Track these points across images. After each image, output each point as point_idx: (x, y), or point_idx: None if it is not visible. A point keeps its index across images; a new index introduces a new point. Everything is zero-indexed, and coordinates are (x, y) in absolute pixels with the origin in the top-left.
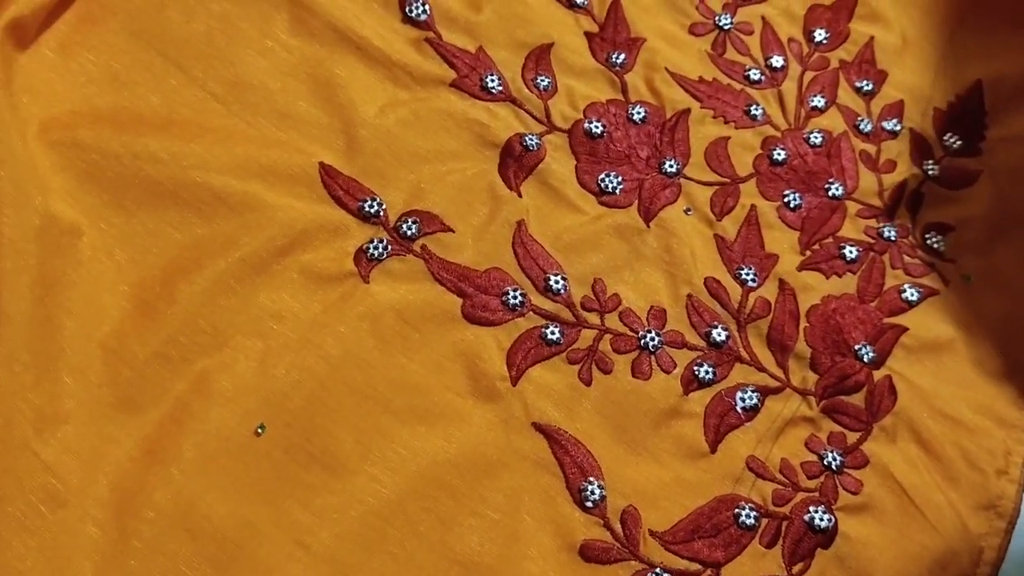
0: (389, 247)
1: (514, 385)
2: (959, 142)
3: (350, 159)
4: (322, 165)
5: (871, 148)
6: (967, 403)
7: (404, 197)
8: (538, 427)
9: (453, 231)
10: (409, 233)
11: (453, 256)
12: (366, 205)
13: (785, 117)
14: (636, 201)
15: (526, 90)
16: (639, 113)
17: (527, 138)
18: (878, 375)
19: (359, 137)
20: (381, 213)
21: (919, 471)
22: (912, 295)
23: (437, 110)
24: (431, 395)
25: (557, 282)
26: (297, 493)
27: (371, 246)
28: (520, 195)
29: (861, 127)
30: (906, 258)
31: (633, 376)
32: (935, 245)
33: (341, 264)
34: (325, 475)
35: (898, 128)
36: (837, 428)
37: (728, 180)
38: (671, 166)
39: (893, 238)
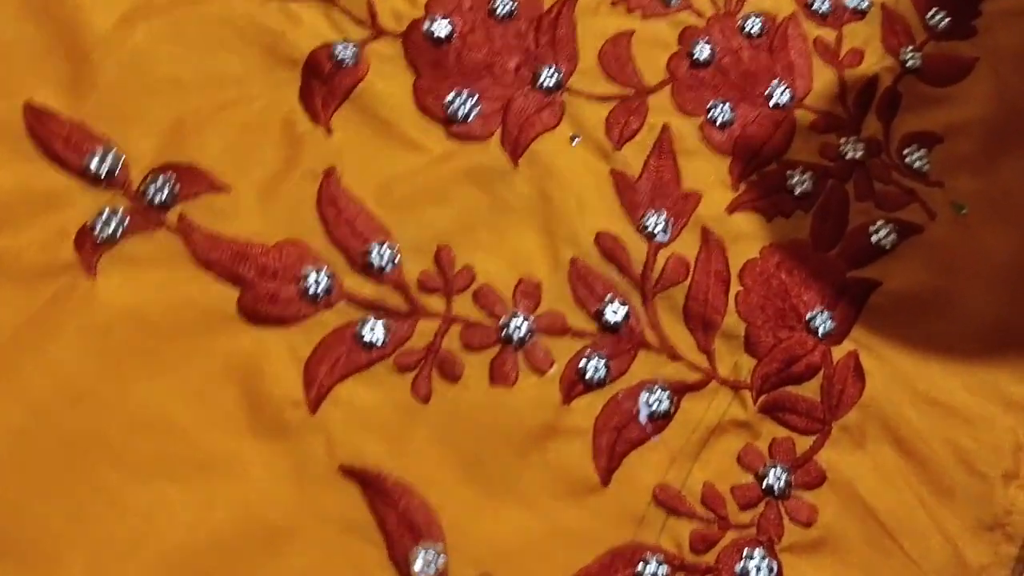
0: (128, 220)
1: (313, 412)
2: (947, 19)
3: (77, 96)
4: (29, 108)
5: (829, 34)
6: (962, 382)
7: (155, 145)
8: (349, 471)
9: (228, 191)
10: (160, 198)
11: (227, 227)
12: (95, 160)
13: None
14: (499, 130)
15: None
16: (505, 4)
17: (339, 48)
18: (839, 352)
19: (91, 61)
20: (118, 170)
21: (896, 485)
22: (886, 236)
23: (209, 16)
24: (188, 436)
25: (382, 254)
26: None
27: (100, 221)
28: (330, 132)
29: (815, 6)
30: (878, 185)
31: (492, 383)
32: (917, 164)
33: (54, 251)
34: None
35: (866, 5)
36: (782, 432)
37: (631, 91)
38: (550, 77)
39: (860, 157)
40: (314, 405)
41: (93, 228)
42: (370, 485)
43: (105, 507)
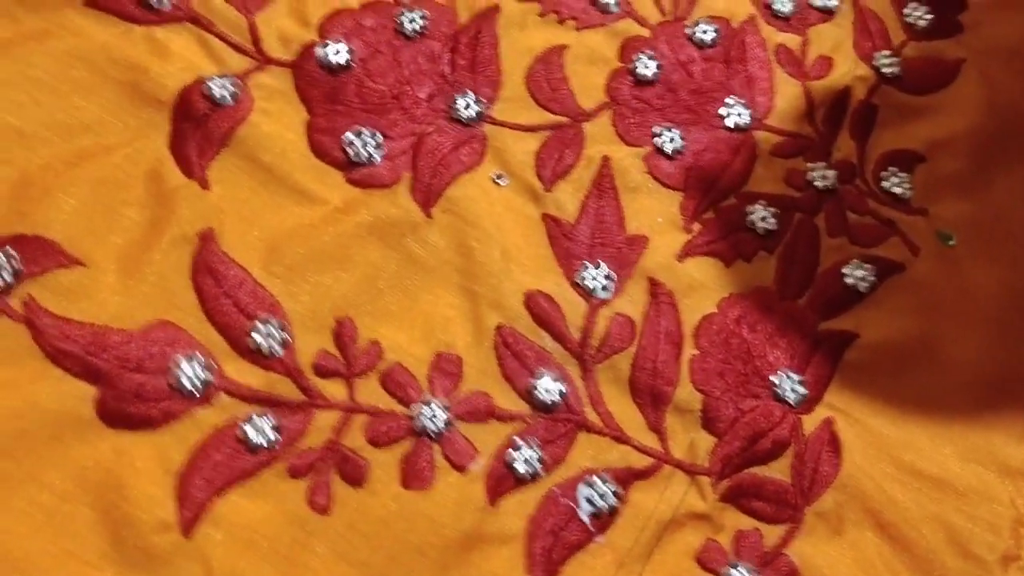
0: None
1: (187, 535)
2: (928, 15)
3: None
4: None
5: (793, 40)
6: (952, 448)
7: None
8: None
9: (83, 264)
10: (0, 279)
11: (83, 309)
12: None
13: (656, 1)
14: (409, 174)
15: None
16: (414, 21)
17: (216, 84)
18: (811, 422)
19: None
20: None
21: None
22: (862, 278)
23: (57, 52)
24: (38, 571)
25: (269, 333)
26: None
27: None
28: (207, 185)
29: (777, 5)
30: (852, 216)
31: (404, 485)
32: (896, 189)
33: None
34: None
35: (834, 2)
36: (748, 523)
37: (565, 119)
38: (468, 106)
39: (831, 185)
40: (188, 527)
41: None
42: None
43: None
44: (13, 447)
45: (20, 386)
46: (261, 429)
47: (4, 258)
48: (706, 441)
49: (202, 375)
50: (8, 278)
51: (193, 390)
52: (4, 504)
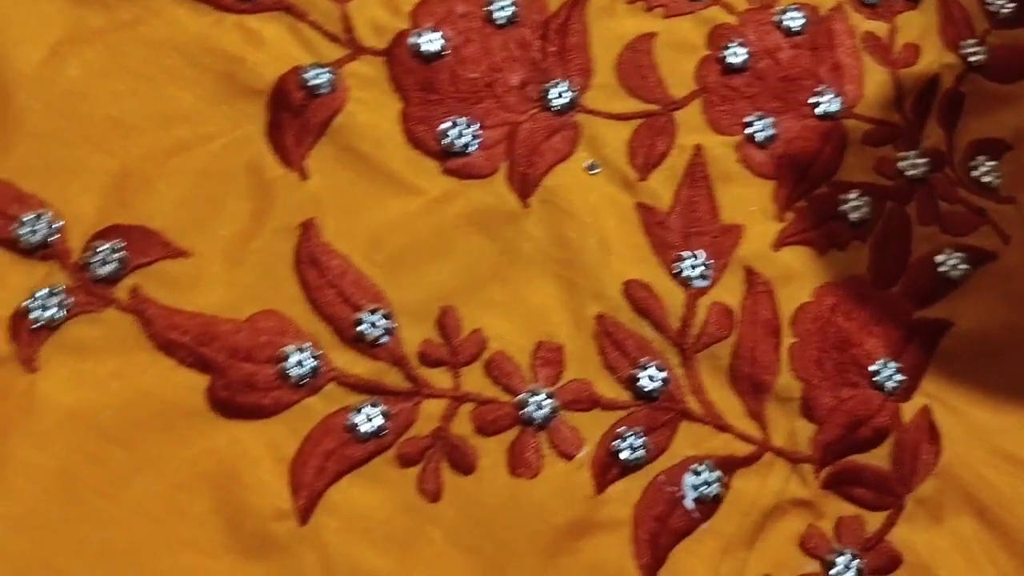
0: (71, 300)
1: (303, 523)
2: (1010, 5)
3: (1, 149)
4: None
5: (881, 27)
6: None
7: (97, 204)
8: None
9: (187, 255)
10: (106, 270)
11: (190, 300)
12: (26, 228)
13: None
14: (506, 163)
15: None
16: (504, 8)
17: (311, 73)
18: (909, 410)
19: (15, 105)
20: (54, 238)
21: (979, 564)
22: (954, 266)
23: (152, 41)
24: (156, 563)
25: (375, 323)
26: None
27: (37, 303)
28: (305, 176)
29: None
30: (943, 205)
31: (512, 473)
32: (985, 177)
33: None
34: None
35: None
36: (849, 509)
37: (656, 107)
38: (561, 94)
39: (921, 174)
40: (304, 514)
41: (29, 312)
42: None
43: None
44: (127, 437)
45: (131, 376)
46: (370, 418)
47: (111, 249)
48: (806, 429)
49: (311, 364)
50: (115, 269)
51: (303, 379)
52: (120, 495)
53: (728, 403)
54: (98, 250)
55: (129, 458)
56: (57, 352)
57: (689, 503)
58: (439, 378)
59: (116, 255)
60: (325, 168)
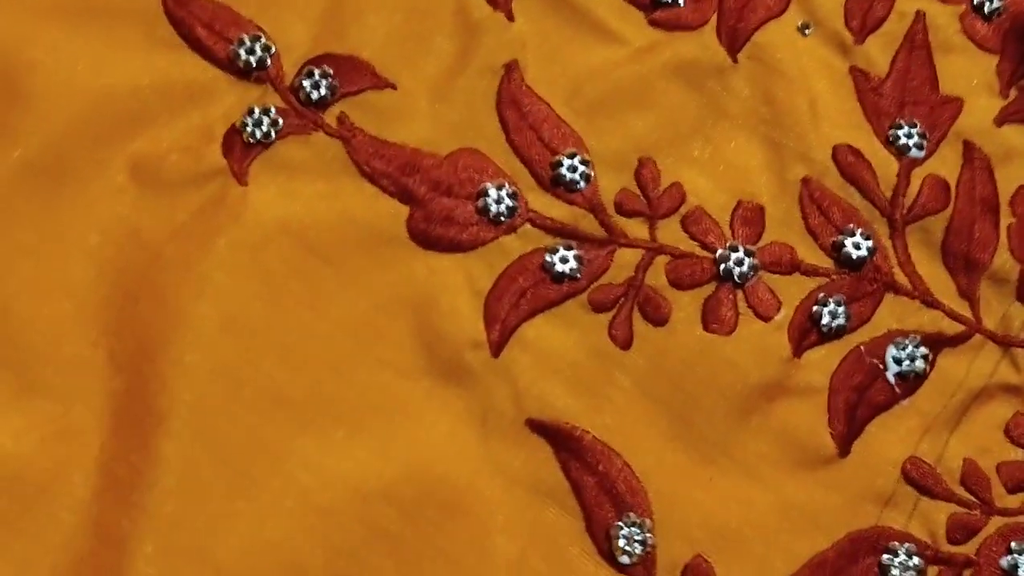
0: (282, 120)
1: (496, 355)
2: None
3: None
4: None
5: None
6: None
7: (310, 32)
8: (538, 426)
9: (394, 87)
10: (317, 94)
11: (394, 131)
12: (243, 49)
13: None
14: (715, 16)
15: None
16: None
17: None
18: None
19: None
20: (268, 61)
21: None
22: None
23: None
24: (356, 377)
25: (574, 168)
26: None
27: (250, 121)
28: (511, 17)
29: None
30: None
31: (705, 328)
32: None
33: (199, 154)
34: None
35: None
36: None
37: None
38: None
39: None
40: (497, 347)
41: (242, 129)
42: (563, 444)
43: (258, 452)
44: (332, 254)
45: (336, 198)
46: (565, 260)
47: (320, 75)
48: (1021, 312)
49: (509, 203)
50: (324, 94)
51: (501, 217)
52: (325, 309)
53: (938, 279)
54: (309, 75)
55: (334, 275)
56: (267, 169)
57: (891, 376)
58: (635, 228)
59: (325, 81)
60: (531, 11)
